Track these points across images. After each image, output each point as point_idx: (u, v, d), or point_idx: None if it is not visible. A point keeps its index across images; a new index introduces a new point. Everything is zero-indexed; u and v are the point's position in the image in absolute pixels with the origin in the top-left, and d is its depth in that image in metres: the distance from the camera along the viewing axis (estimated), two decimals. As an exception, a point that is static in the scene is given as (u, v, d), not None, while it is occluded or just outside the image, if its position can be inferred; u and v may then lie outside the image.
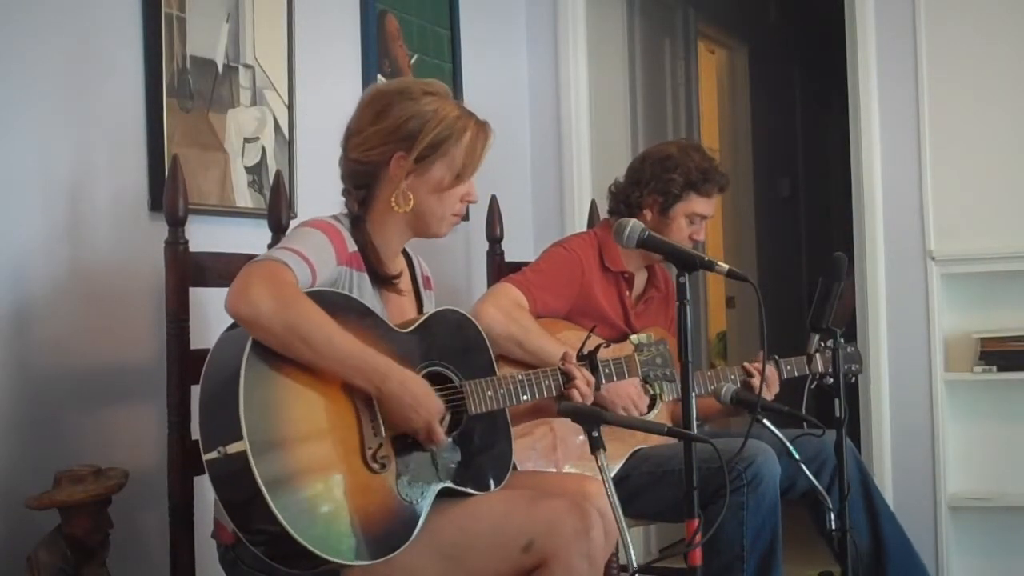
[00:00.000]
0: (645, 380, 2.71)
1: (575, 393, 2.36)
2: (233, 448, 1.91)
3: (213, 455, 1.94)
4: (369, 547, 1.98)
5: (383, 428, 2.08)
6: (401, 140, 2.23)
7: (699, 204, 3.05)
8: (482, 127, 2.30)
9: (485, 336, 2.38)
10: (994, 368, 3.75)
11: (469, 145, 2.27)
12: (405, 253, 2.42)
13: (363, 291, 2.22)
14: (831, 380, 2.68)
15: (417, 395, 2.08)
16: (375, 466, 2.05)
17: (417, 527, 2.06)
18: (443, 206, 2.29)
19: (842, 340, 2.71)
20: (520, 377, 2.31)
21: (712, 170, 3.06)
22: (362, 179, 2.28)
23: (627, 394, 2.80)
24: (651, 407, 2.93)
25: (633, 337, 2.74)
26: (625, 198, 3.11)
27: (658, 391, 2.90)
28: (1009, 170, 3.80)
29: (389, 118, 2.24)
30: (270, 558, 1.97)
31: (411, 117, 2.23)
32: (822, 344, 2.85)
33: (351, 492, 2.00)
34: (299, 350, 1.99)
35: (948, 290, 3.86)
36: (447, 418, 2.16)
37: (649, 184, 3.06)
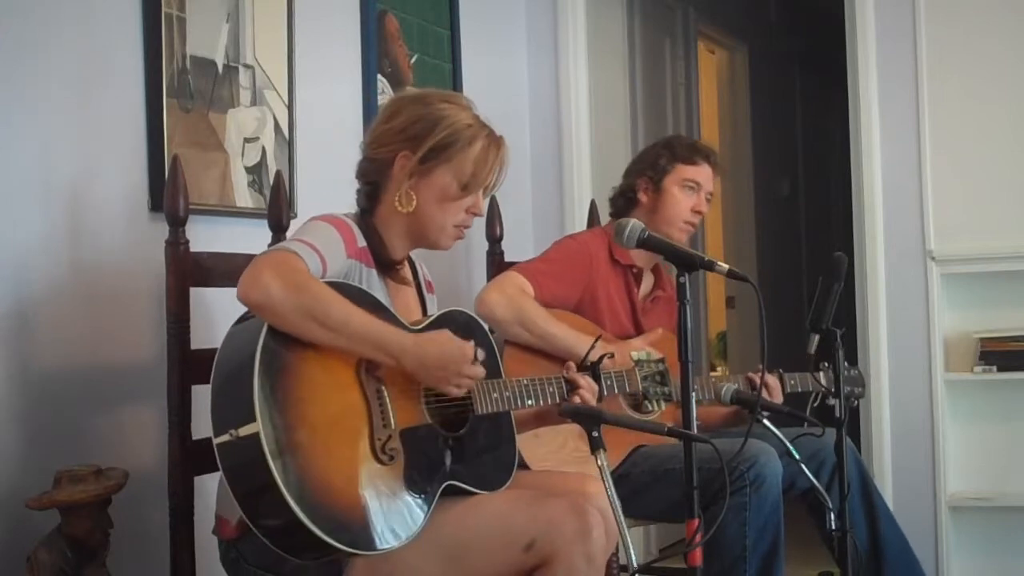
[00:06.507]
0: (644, 395, 2.73)
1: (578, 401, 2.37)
2: (245, 430, 1.90)
3: (224, 438, 1.93)
4: (374, 538, 1.98)
5: (392, 420, 2.09)
6: (408, 140, 2.24)
7: (690, 171, 3.11)
8: (495, 140, 2.28)
9: (492, 340, 2.39)
10: (994, 368, 3.75)
11: (480, 156, 2.25)
12: (408, 258, 2.42)
13: (372, 286, 2.22)
14: (834, 401, 2.65)
15: (442, 352, 2.09)
16: (384, 458, 2.05)
17: (422, 520, 2.06)
18: (445, 215, 2.27)
19: (846, 363, 2.70)
20: (525, 382, 2.33)
21: (698, 144, 3.19)
22: (370, 176, 2.30)
23: None
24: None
25: (633, 353, 2.75)
26: (621, 193, 3.19)
27: (655, 408, 2.90)
28: (1009, 170, 3.80)
29: (399, 119, 2.27)
30: (277, 546, 1.95)
31: (420, 119, 2.25)
32: (825, 365, 2.81)
33: (359, 482, 2.00)
34: (314, 331, 2.00)
35: (948, 290, 3.86)
36: (478, 352, 2.16)
37: (639, 168, 3.16)
